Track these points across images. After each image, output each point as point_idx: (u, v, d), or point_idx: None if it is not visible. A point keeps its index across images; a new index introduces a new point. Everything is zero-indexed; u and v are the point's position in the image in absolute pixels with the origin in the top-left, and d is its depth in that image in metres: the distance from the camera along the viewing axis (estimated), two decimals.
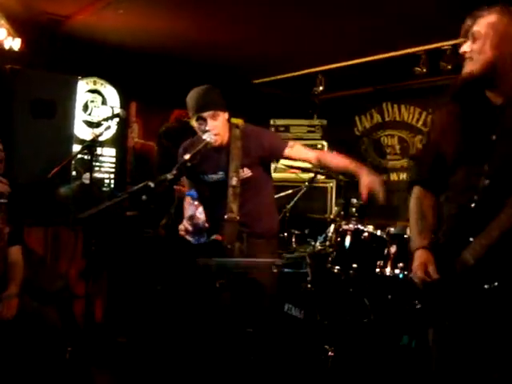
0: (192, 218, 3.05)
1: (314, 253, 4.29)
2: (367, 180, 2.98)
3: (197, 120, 3.16)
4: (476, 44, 2.10)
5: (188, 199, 3.20)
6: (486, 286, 2.04)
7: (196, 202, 3.08)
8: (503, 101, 2.14)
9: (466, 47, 2.14)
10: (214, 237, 3.12)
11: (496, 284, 2.03)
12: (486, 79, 2.12)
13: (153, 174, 5.75)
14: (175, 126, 4.77)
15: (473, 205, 2.12)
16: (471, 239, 2.08)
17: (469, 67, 2.13)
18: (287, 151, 3.29)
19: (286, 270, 3.26)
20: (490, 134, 2.12)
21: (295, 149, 3.32)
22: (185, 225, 3.08)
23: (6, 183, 3.31)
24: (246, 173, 3.26)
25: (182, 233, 3.11)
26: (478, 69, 2.10)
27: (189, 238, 3.10)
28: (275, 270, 2.89)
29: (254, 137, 3.28)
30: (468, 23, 2.17)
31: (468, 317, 2.10)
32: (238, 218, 3.21)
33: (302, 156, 3.39)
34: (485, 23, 2.10)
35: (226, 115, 3.21)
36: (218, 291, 3.11)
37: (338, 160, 3.34)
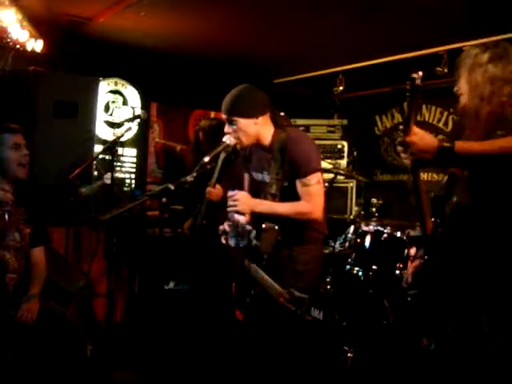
0: (233, 218, 2.96)
1: (334, 254, 4.29)
2: None
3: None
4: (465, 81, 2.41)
5: None
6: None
7: None
8: None
9: (459, 85, 2.45)
10: (255, 242, 2.91)
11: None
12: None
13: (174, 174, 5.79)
14: (215, 122, 4.69)
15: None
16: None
17: (463, 102, 2.44)
18: (306, 180, 3.05)
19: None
20: None
21: (310, 186, 3.06)
22: (224, 226, 3.00)
23: (10, 191, 3.25)
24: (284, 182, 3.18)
25: (220, 232, 3.02)
26: (469, 103, 2.40)
27: (229, 240, 2.97)
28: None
29: (291, 148, 3.08)
30: (456, 63, 2.50)
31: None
32: (276, 227, 3.00)
33: (303, 193, 3.12)
34: (470, 62, 2.40)
35: (251, 121, 3.07)
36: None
37: None
